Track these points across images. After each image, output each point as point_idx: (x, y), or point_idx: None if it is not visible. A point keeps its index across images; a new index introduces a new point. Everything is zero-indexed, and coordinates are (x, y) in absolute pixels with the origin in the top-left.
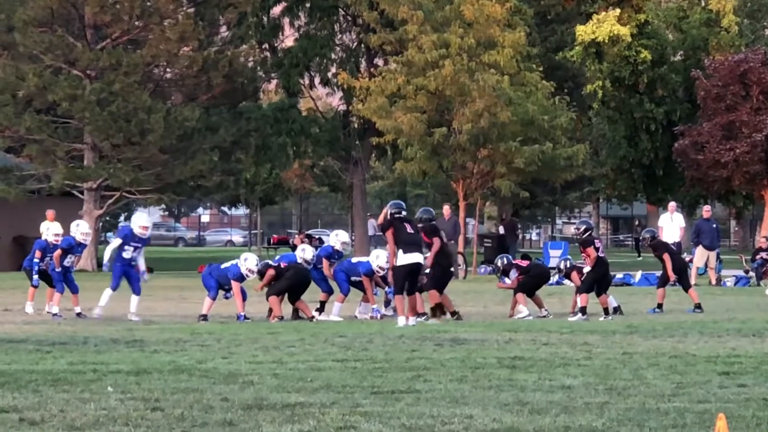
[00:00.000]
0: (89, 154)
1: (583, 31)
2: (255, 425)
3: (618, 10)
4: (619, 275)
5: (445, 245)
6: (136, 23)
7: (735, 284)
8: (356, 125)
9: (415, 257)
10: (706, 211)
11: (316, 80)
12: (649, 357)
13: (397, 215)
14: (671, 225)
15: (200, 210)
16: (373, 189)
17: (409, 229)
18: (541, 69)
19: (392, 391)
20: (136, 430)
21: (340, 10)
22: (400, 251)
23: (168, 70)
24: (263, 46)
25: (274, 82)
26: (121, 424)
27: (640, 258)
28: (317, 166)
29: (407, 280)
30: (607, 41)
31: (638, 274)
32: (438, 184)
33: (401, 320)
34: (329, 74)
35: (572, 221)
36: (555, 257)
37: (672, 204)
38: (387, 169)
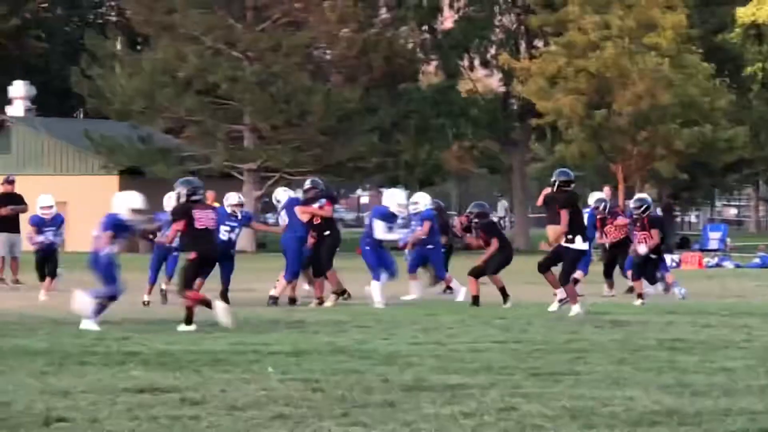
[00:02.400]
0: (249, 136)
1: (743, 13)
2: (415, 406)
3: None
4: None
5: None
6: (296, 5)
7: None
8: (516, 107)
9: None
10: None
11: (476, 62)
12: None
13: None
14: None
15: (359, 191)
16: (532, 171)
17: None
18: (701, 51)
19: (552, 372)
20: (297, 411)
21: None
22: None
23: (328, 51)
24: (423, 28)
25: (434, 63)
26: (282, 405)
27: None
28: (476, 148)
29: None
30: (767, 23)
31: None
32: (597, 166)
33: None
34: (489, 56)
35: (732, 204)
36: (714, 239)
37: None
38: (546, 151)
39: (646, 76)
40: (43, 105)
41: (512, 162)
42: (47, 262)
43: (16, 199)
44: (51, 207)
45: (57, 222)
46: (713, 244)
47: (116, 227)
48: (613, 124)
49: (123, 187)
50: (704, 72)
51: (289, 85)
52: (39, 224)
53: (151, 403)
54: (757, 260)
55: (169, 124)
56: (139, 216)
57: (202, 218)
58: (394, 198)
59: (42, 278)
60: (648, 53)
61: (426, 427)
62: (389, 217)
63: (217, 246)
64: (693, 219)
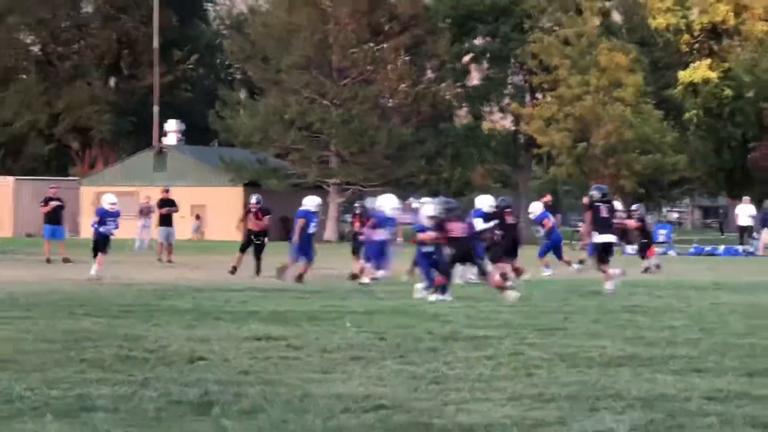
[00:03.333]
0: (334, 159)
1: (683, 75)
2: (451, 351)
3: (709, 60)
4: (708, 248)
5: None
6: (368, 67)
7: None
8: (522, 141)
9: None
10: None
11: (495, 108)
12: (730, 306)
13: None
14: (745, 212)
15: (411, 199)
16: (533, 186)
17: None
18: (653, 102)
19: (548, 328)
20: (368, 354)
21: (511, 59)
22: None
23: (390, 100)
24: (457, 84)
25: (465, 109)
26: (357, 350)
27: (723, 236)
28: (495, 169)
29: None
30: (700, 82)
31: (722, 248)
32: (579, 183)
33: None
34: (503, 104)
35: (674, 209)
36: (662, 235)
37: (746, 198)
38: (543, 171)
39: (614, 120)
40: (188, 137)
41: (519, 180)
42: (104, 244)
43: (171, 203)
44: (114, 203)
45: (116, 215)
46: (661, 238)
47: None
48: (590, 153)
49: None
50: (655, 117)
51: (363, 123)
52: (104, 215)
53: (266, 347)
54: (692, 250)
55: (278, 151)
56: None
57: None
58: (388, 202)
59: (95, 255)
60: (615, 103)
61: (459, 365)
62: (385, 220)
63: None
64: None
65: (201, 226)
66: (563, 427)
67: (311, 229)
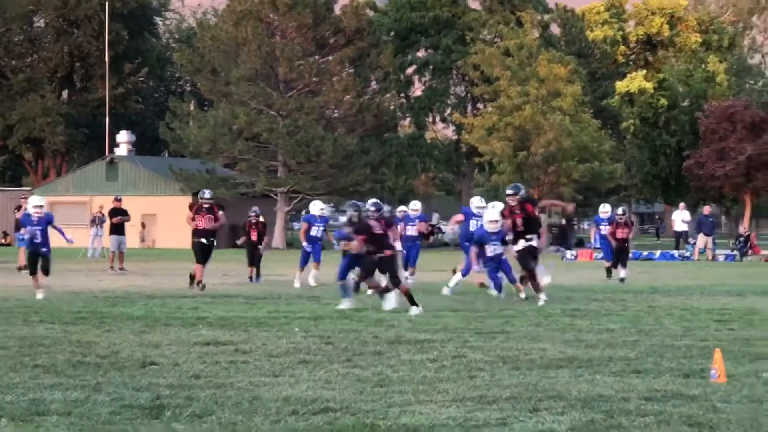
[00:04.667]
0: (281, 169)
1: (620, 86)
2: (396, 354)
3: (644, 71)
4: (645, 252)
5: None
6: (314, 79)
7: (725, 260)
8: (464, 149)
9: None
10: (705, 209)
11: (437, 118)
12: (666, 309)
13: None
14: (680, 218)
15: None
16: (474, 193)
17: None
18: (591, 111)
19: (490, 332)
20: (315, 357)
21: (453, 70)
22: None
23: (336, 111)
24: (400, 95)
25: (408, 119)
26: (305, 354)
27: (659, 241)
28: (437, 178)
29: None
30: (636, 92)
31: (658, 252)
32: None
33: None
34: (446, 114)
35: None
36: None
37: (682, 204)
38: (485, 179)
39: (554, 129)
40: (139, 148)
41: (461, 187)
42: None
43: (123, 212)
44: (41, 207)
45: (44, 222)
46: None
47: None
48: (531, 161)
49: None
50: (593, 126)
51: (308, 134)
52: (27, 222)
53: (215, 352)
54: (630, 254)
55: (227, 161)
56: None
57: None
58: (316, 206)
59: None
60: (555, 112)
61: (403, 368)
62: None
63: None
64: (585, 226)
65: (145, 234)
66: (505, 428)
67: (318, 233)
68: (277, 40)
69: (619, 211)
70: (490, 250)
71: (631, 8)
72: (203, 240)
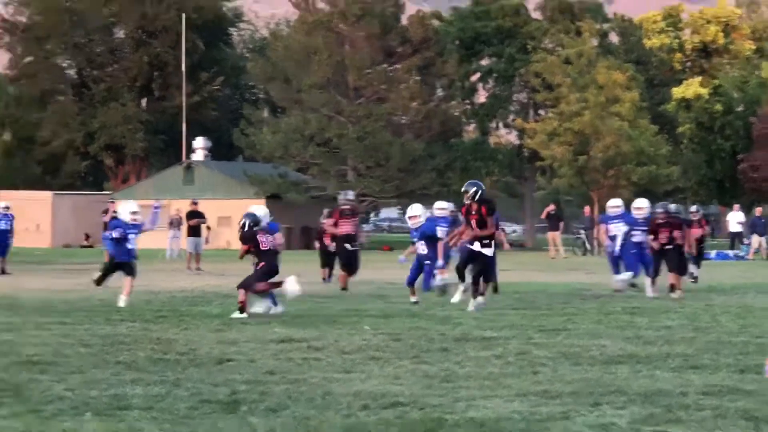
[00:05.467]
0: (351, 173)
1: (676, 92)
2: (462, 351)
3: (700, 78)
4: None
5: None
6: (382, 87)
7: None
8: (526, 154)
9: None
10: (757, 210)
11: (500, 124)
12: (722, 307)
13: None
14: (735, 219)
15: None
16: (537, 196)
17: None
18: (649, 116)
19: (553, 329)
20: (384, 354)
21: (516, 78)
22: None
23: (403, 117)
24: (465, 102)
25: (473, 125)
26: (374, 350)
27: (715, 241)
28: (501, 181)
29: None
30: (692, 98)
31: (714, 252)
32: (580, 193)
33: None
34: (509, 120)
35: None
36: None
37: (736, 205)
38: (546, 182)
39: (612, 133)
40: (215, 153)
41: (524, 190)
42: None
43: (199, 215)
44: (137, 213)
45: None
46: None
47: None
48: (590, 165)
49: (269, 208)
50: (651, 131)
51: (377, 139)
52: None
53: (289, 349)
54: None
55: (298, 165)
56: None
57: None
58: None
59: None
60: (613, 118)
61: (469, 364)
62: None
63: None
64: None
65: (210, 236)
66: (568, 422)
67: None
68: (347, 49)
69: (693, 208)
70: (419, 248)
71: (687, 17)
72: (348, 245)
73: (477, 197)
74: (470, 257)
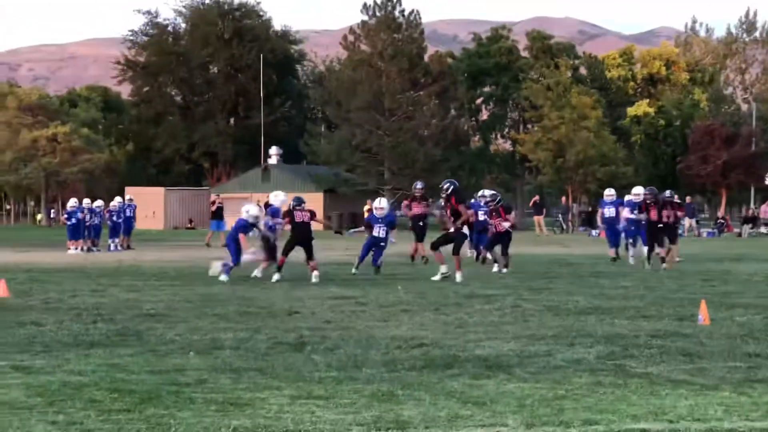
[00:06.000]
0: (387, 173)
1: (631, 111)
2: (471, 305)
3: (648, 100)
4: None
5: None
6: (410, 108)
7: (707, 236)
8: (518, 158)
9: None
10: (687, 199)
11: (499, 135)
12: (666, 272)
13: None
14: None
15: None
16: (526, 189)
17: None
18: (609, 129)
19: (538, 288)
20: (413, 307)
21: (510, 101)
22: None
23: (425, 131)
24: (472, 119)
25: (478, 136)
26: (405, 305)
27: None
28: (499, 177)
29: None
30: (642, 115)
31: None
32: (558, 187)
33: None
34: (505, 132)
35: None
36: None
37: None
38: (533, 179)
39: (582, 142)
40: (286, 158)
41: (516, 185)
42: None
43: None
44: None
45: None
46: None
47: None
48: (566, 166)
49: (326, 199)
50: (611, 140)
51: (406, 147)
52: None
53: (341, 304)
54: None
55: (347, 167)
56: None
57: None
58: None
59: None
60: (583, 130)
61: (476, 315)
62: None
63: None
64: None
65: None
66: (550, 357)
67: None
68: (383, 80)
69: (667, 193)
70: (376, 231)
71: (638, 55)
72: (420, 222)
73: (449, 192)
74: (450, 238)
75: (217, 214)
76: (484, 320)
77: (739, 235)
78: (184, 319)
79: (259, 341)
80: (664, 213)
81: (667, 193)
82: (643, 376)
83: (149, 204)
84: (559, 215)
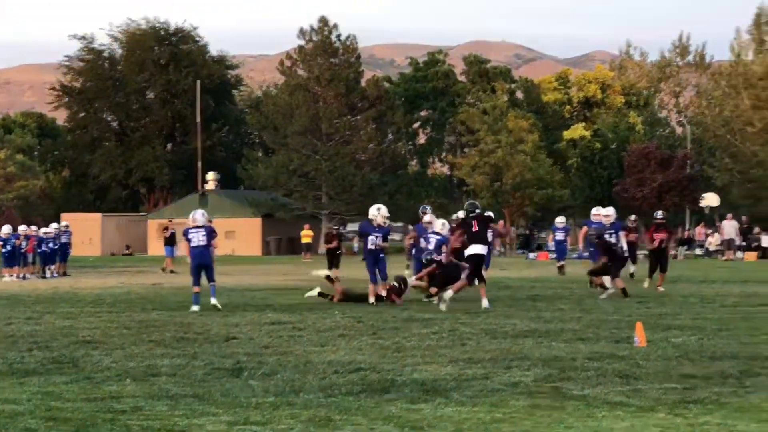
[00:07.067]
0: (324, 197)
1: (567, 134)
2: (409, 328)
3: (584, 123)
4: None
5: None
6: (347, 132)
7: (644, 257)
8: (455, 181)
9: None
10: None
11: (436, 159)
12: (601, 293)
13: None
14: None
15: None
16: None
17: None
18: (546, 153)
19: (476, 311)
20: (350, 332)
21: (447, 125)
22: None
23: (363, 155)
24: (409, 143)
25: (415, 160)
26: (343, 329)
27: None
28: (436, 202)
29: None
30: (578, 138)
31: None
32: (496, 211)
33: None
34: (442, 156)
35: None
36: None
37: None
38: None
39: (519, 165)
40: (223, 184)
41: (454, 210)
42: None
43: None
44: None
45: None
46: (552, 248)
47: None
48: (503, 189)
49: (263, 224)
50: (547, 163)
51: (343, 172)
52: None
53: (279, 329)
54: (575, 255)
55: (285, 192)
56: None
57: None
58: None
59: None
60: (519, 154)
61: (414, 339)
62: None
63: None
64: (543, 235)
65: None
66: (487, 381)
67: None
68: (321, 104)
69: (632, 218)
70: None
71: (574, 78)
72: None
73: (473, 214)
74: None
75: (171, 240)
76: (421, 344)
77: (675, 256)
78: (120, 345)
79: (196, 367)
80: (656, 236)
81: (659, 214)
82: (580, 398)
83: (86, 230)
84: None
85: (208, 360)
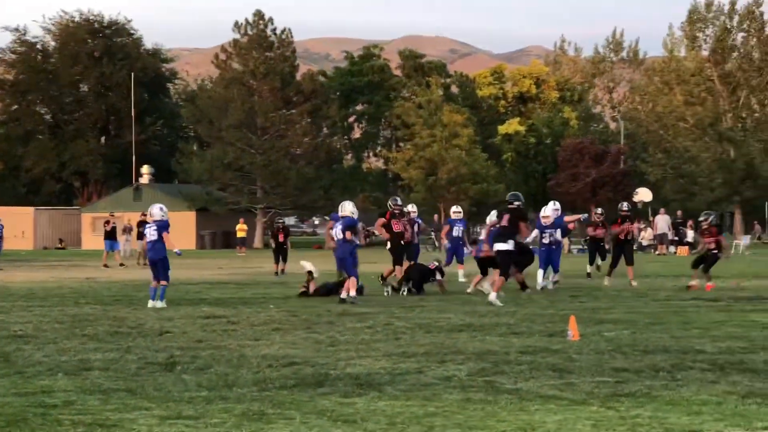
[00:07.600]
0: (259, 191)
1: (502, 129)
2: (342, 323)
3: (519, 118)
4: None
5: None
6: (282, 126)
7: (578, 252)
8: (390, 176)
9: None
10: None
11: (371, 154)
12: (535, 289)
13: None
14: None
15: (314, 218)
16: None
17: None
18: (481, 147)
19: (410, 306)
20: (284, 326)
21: (382, 119)
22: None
23: (298, 149)
24: (344, 137)
25: (350, 154)
26: (277, 323)
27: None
28: (371, 197)
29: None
30: (513, 133)
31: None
32: (431, 205)
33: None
34: (377, 150)
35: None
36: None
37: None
38: (406, 197)
39: (454, 160)
40: (157, 178)
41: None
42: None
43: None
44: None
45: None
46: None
47: None
48: (438, 183)
49: (198, 218)
50: (482, 158)
51: (278, 166)
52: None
53: (213, 323)
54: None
55: (220, 186)
56: None
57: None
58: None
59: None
60: (454, 148)
61: (348, 333)
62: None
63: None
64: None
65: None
66: (421, 375)
67: (458, 234)
68: (256, 99)
69: (598, 211)
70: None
71: (509, 73)
72: (402, 241)
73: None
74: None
75: (111, 234)
76: (355, 338)
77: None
78: (52, 340)
79: (129, 361)
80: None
81: (624, 205)
82: (513, 392)
83: (18, 224)
84: (432, 233)
85: (141, 354)
